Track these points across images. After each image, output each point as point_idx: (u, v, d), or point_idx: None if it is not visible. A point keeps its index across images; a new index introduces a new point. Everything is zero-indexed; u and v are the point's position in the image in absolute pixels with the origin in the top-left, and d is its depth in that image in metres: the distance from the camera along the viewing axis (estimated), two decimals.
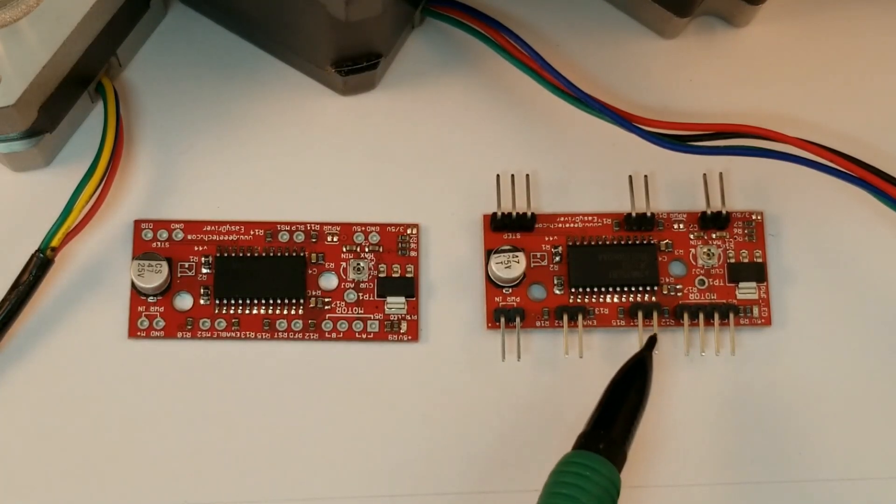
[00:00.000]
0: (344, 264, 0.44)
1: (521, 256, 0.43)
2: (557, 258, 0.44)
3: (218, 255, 0.44)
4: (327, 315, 0.43)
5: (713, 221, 0.44)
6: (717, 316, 0.43)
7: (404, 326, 0.43)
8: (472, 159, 0.45)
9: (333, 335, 0.43)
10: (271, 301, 0.43)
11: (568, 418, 0.43)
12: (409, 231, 0.44)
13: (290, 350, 0.43)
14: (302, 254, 0.44)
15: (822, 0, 0.47)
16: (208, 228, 0.44)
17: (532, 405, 0.43)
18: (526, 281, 0.44)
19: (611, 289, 0.44)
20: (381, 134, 0.45)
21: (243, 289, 0.43)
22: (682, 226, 0.44)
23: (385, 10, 0.41)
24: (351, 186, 0.45)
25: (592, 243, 0.44)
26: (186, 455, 0.42)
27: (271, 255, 0.44)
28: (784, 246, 0.45)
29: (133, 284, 0.43)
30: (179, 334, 0.43)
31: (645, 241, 0.44)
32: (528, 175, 0.45)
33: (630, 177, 0.44)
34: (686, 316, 0.43)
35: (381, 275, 0.44)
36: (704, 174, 0.44)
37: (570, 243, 0.44)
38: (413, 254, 0.44)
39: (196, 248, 0.44)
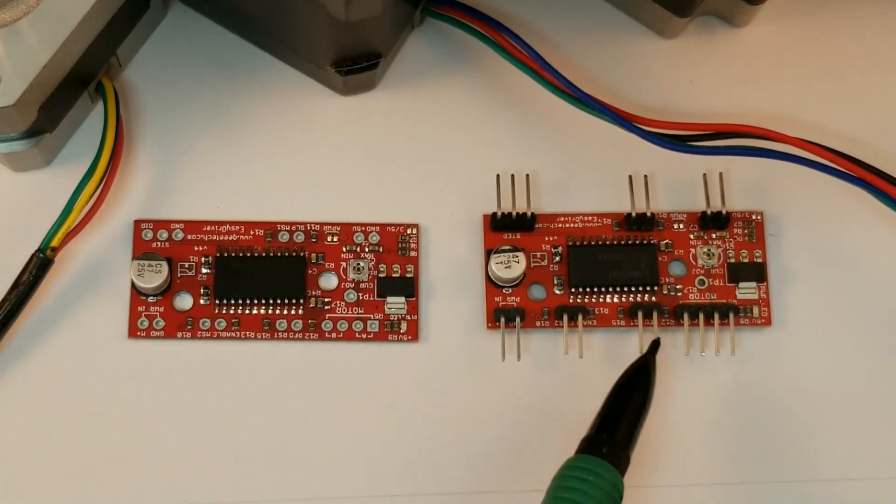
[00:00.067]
0: (344, 264, 0.44)
1: (521, 256, 0.43)
2: (557, 258, 0.44)
3: (218, 255, 0.44)
4: (327, 315, 0.43)
5: (713, 221, 0.44)
6: (717, 316, 0.43)
7: (404, 326, 0.43)
8: (472, 159, 0.45)
9: (333, 335, 0.43)
10: (271, 301, 0.43)
11: (568, 418, 0.43)
12: (409, 231, 0.44)
13: (290, 350, 0.43)
14: (302, 254, 0.44)
15: (822, 0, 0.47)
16: (208, 228, 0.44)
17: (532, 405, 0.43)
18: (526, 281, 0.44)
19: (611, 289, 0.44)
20: (381, 134, 0.45)
21: (243, 289, 0.43)
22: (682, 226, 0.44)
23: (385, 10, 0.41)
24: (351, 186, 0.45)
25: (592, 243, 0.44)
26: (186, 455, 0.42)
27: (271, 255, 0.44)
28: (784, 246, 0.45)
29: (133, 284, 0.43)
30: (179, 334, 0.43)
31: (645, 241, 0.44)
32: (528, 175, 0.45)
33: (630, 177, 0.44)
34: (686, 316, 0.43)
35: (381, 275, 0.44)
36: (704, 174, 0.44)
37: (570, 243, 0.44)
38: (413, 254, 0.44)
39: (196, 248, 0.44)
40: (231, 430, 0.43)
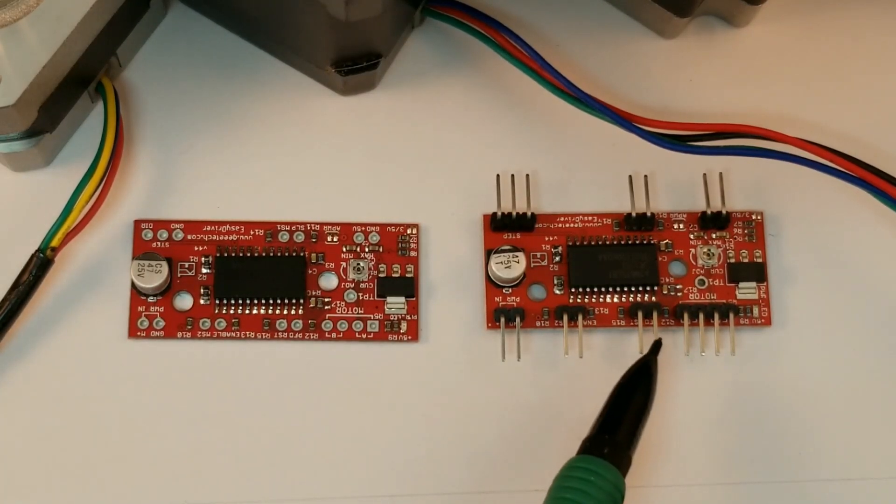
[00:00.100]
0: (344, 264, 0.44)
1: (521, 256, 0.43)
2: (557, 258, 0.44)
3: (218, 255, 0.44)
4: (327, 315, 0.43)
5: (713, 221, 0.44)
6: (717, 316, 0.43)
7: (404, 326, 0.43)
8: (472, 159, 0.45)
9: (333, 335, 0.43)
10: (271, 301, 0.43)
11: (568, 418, 0.43)
12: (409, 231, 0.44)
13: (290, 350, 0.43)
14: (302, 254, 0.44)
15: (822, 0, 0.47)
16: (208, 228, 0.44)
17: (532, 405, 0.43)
18: (526, 281, 0.44)
19: (611, 289, 0.44)
20: (381, 134, 0.45)
21: (243, 289, 0.43)
22: (682, 226, 0.44)
23: (385, 10, 0.41)
24: (351, 186, 0.45)
25: (592, 243, 0.44)
26: (186, 455, 0.42)
27: (271, 255, 0.44)
28: (784, 246, 0.45)
29: (133, 284, 0.43)
30: (179, 334, 0.43)
31: (645, 241, 0.44)
32: (528, 175, 0.45)
33: (630, 177, 0.44)
34: (686, 316, 0.43)
35: (381, 275, 0.44)
36: (704, 174, 0.44)
37: (570, 243, 0.44)
38: (413, 254, 0.44)
39: (196, 248, 0.44)
40: (231, 430, 0.43)
